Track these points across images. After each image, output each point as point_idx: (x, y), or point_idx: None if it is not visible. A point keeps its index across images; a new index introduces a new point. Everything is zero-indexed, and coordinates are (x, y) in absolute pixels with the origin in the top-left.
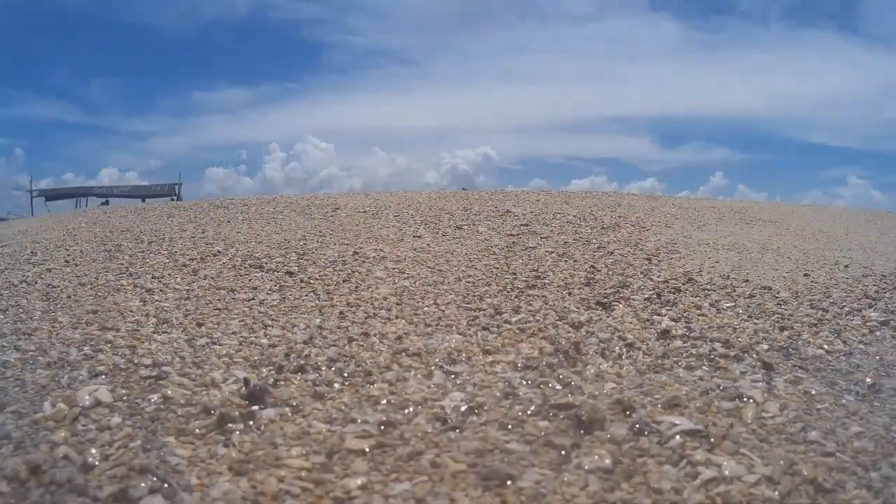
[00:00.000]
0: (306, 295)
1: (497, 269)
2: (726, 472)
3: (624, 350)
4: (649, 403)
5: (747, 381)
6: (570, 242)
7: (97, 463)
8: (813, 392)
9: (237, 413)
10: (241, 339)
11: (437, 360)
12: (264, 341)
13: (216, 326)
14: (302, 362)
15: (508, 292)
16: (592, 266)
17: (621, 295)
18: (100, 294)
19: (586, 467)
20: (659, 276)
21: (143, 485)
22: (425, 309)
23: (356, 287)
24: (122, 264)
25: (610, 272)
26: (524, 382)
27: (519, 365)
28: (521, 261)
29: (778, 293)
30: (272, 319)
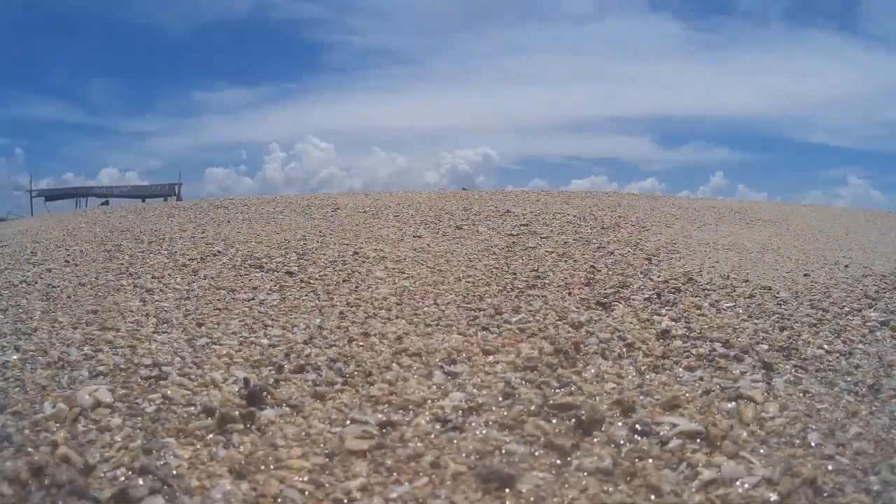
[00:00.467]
0: (306, 295)
1: (497, 269)
2: (726, 474)
3: (624, 350)
4: (649, 404)
5: (747, 382)
6: (570, 242)
7: (98, 464)
8: (813, 392)
9: (237, 413)
10: (241, 339)
11: (437, 360)
12: (264, 341)
13: (216, 326)
14: (302, 362)
15: (508, 292)
16: (592, 266)
17: (621, 295)
18: (100, 294)
19: (586, 468)
20: (659, 276)
21: (143, 486)
22: (425, 309)
23: (356, 287)
24: (122, 264)
25: (610, 272)
26: (524, 382)
27: (519, 365)
28: (521, 261)
29: (778, 293)
30: (272, 319)
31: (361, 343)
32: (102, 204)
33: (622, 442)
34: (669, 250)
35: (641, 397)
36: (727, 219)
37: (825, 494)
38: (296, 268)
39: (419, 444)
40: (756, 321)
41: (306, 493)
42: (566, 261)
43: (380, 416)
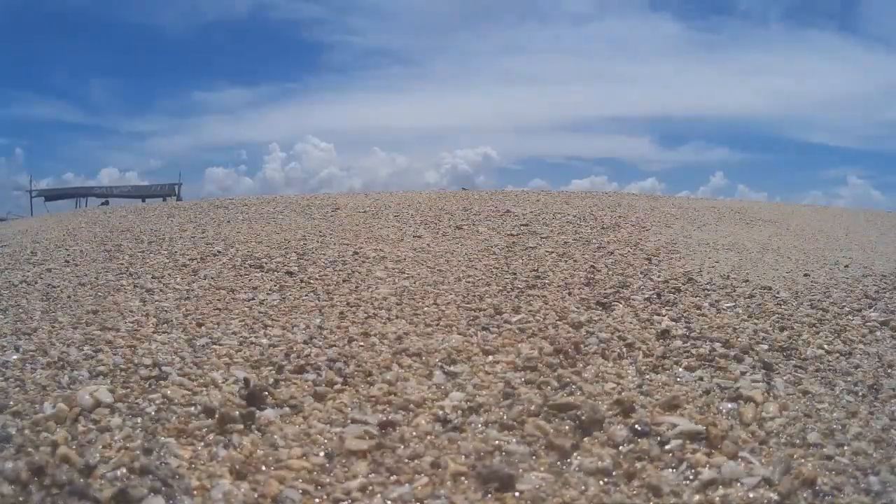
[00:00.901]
0: (306, 295)
1: (497, 269)
2: (726, 474)
3: (624, 350)
4: (649, 404)
5: (747, 382)
6: (570, 242)
7: (98, 464)
8: (813, 392)
9: (237, 413)
10: (241, 339)
11: (437, 360)
12: (264, 341)
13: (216, 326)
14: (302, 362)
15: (508, 292)
16: (592, 266)
17: (621, 295)
18: (100, 294)
19: (586, 468)
20: (659, 276)
21: (143, 486)
22: (425, 309)
23: (356, 287)
24: (122, 264)
25: (610, 272)
26: (524, 382)
27: (519, 365)
28: (521, 261)
29: (778, 293)
30: (272, 319)
31: (361, 343)
32: (102, 204)
33: (622, 442)
34: (669, 250)
35: (641, 397)
36: (727, 219)
37: (825, 494)
38: (296, 268)
39: (419, 444)
40: (756, 321)
41: (306, 493)
42: (566, 261)
43: (380, 416)
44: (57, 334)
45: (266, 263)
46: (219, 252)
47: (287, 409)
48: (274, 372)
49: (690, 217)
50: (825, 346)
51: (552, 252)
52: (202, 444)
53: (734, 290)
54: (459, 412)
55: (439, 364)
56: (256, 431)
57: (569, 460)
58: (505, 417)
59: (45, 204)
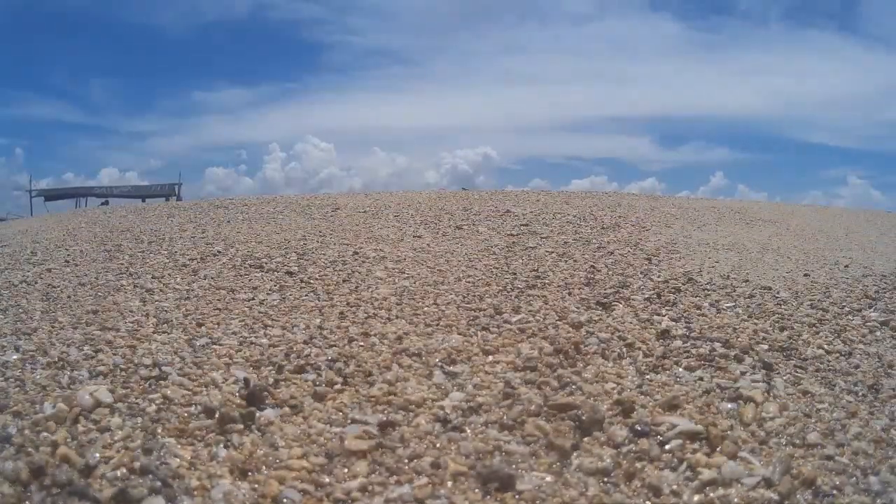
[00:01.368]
0: (306, 295)
1: (497, 269)
2: (726, 474)
3: (624, 350)
4: (649, 404)
5: (747, 382)
6: (570, 242)
7: (98, 464)
8: (813, 392)
9: (237, 413)
10: (241, 339)
11: (437, 360)
12: (264, 341)
13: (216, 326)
14: (302, 362)
15: (508, 292)
16: (592, 266)
17: (621, 295)
18: (100, 294)
19: (586, 469)
20: (659, 276)
21: (143, 486)
22: (425, 309)
23: (356, 287)
24: (122, 264)
25: (610, 272)
26: (524, 382)
27: (519, 365)
28: (521, 261)
29: (778, 293)
30: (272, 319)
31: (361, 343)
32: (102, 204)
33: (622, 442)
34: (669, 250)
35: (641, 397)
36: (727, 219)
37: (825, 494)
38: (296, 268)
39: (419, 444)
40: (756, 321)
41: (306, 493)
42: (566, 261)
43: (380, 416)
44: (57, 334)
45: (266, 263)
46: (219, 252)
47: (287, 409)
48: (274, 372)
49: (690, 217)
50: (825, 346)
51: (552, 252)
52: (202, 444)
53: (734, 290)
54: (459, 412)
55: (439, 364)
56: (256, 431)
57: (569, 460)
58: (505, 417)
59: (45, 204)
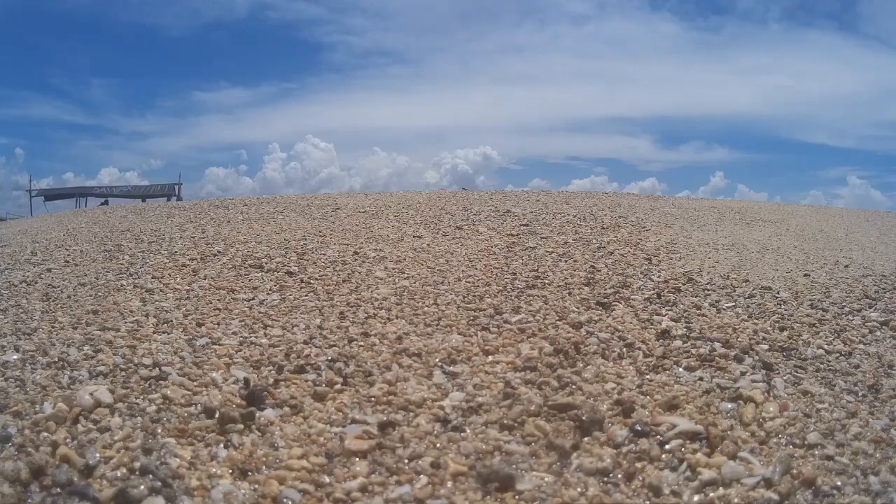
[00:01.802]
0: (306, 295)
1: (497, 269)
2: (725, 474)
3: (624, 350)
4: (649, 404)
5: (747, 382)
6: (570, 242)
7: (98, 464)
8: (813, 392)
9: (237, 413)
10: (241, 339)
11: (437, 360)
12: (264, 341)
13: (216, 326)
14: (302, 362)
15: (508, 292)
16: (592, 266)
17: (621, 295)
18: (100, 294)
19: (586, 469)
20: (659, 276)
21: (143, 486)
22: (425, 309)
23: (356, 287)
24: (122, 264)
25: (610, 272)
26: (524, 382)
27: (519, 365)
28: (521, 261)
29: (778, 293)
30: (272, 319)
31: (361, 343)
32: (102, 204)
33: (622, 442)
34: (669, 250)
35: (641, 397)
36: (727, 219)
37: (825, 494)
38: (296, 268)
39: (419, 444)
40: (756, 321)
41: (306, 493)
42: (566, 261)
43: (380, 416)
44: (57, 334)
45: (266, 263)
46: (219, 252)
47: (287, 409)
48: (274, 372)
49: (690, 217)
50: (825, 346)
51: (552, 252)
52: (202, 444)
53: (734, 290)
54: (459, 412)
55: (439, 364)
56: (256, 431)
57: (569, 460)
58: (505, 417)
59: (45, 204)
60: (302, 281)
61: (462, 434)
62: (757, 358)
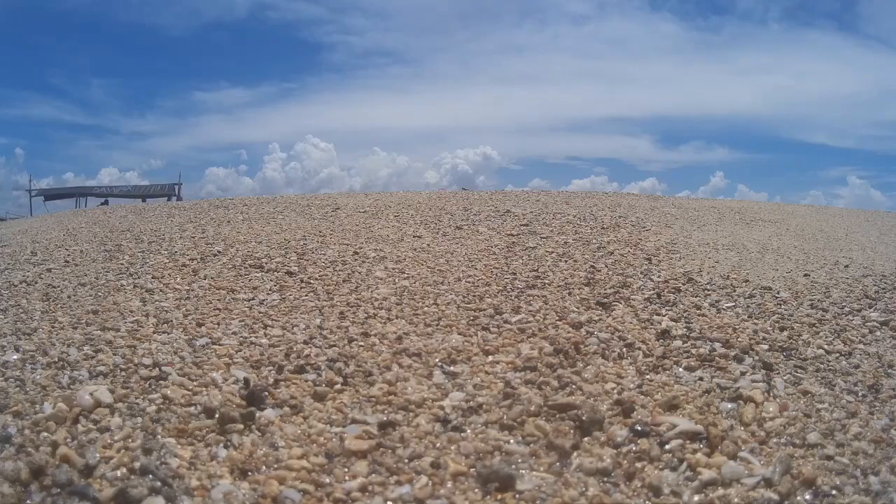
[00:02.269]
0: (306, 295)
1: (497, 269)
2: (725, 474)
3: (624, 350)
4: (649, 404)
5: (747, 382)
6: (570, 242)
7: (98, 464)
8: (813, 392)
9: (237, 413)
10: (241, 339)
11: (437, 360)
12: (264, 341)
13: (216, 326)
14: (302, 362)
15: (508, 292)
16: (592, 266)
17: (621, 295)
18: (100, 294)
19: (586, 469)
20: (659, 276)
21: (143, 486)
22: (425, 309)
23: (356, 287)
24: (122, 264)
25: (610, 272)
26: (524, 382)
27: (519, 365)
28: (521, 261)
29: (778, 293)
30: (272, 319)
31: (361, 343)
32: (102, 204)
33: (622, 442)
34: (669, 250)
35: (641, 397)
36: (727, 219)
37: (825, 494)
38: (296, 268)
39: (419, 444)
40: (756, 321)
41: (306, 493)
42: (566, 261)
43: (380, 416)
44: (57, 334)
45: (266, 263)
46: (219, 252)
47: (287, 409)
48: (274, 372)
49: (690, 217)
50: (825, 346)
51: (552, 252)
52: (202, 444)
53: (734, 290)
54: (459, 412)
55: (439, 364)
56: (256, 431)
57: (569, 460)
58: (505, 417)
59: (45, 203)
60: (302, 281)
61: (462, 434)
62: (757, 358)
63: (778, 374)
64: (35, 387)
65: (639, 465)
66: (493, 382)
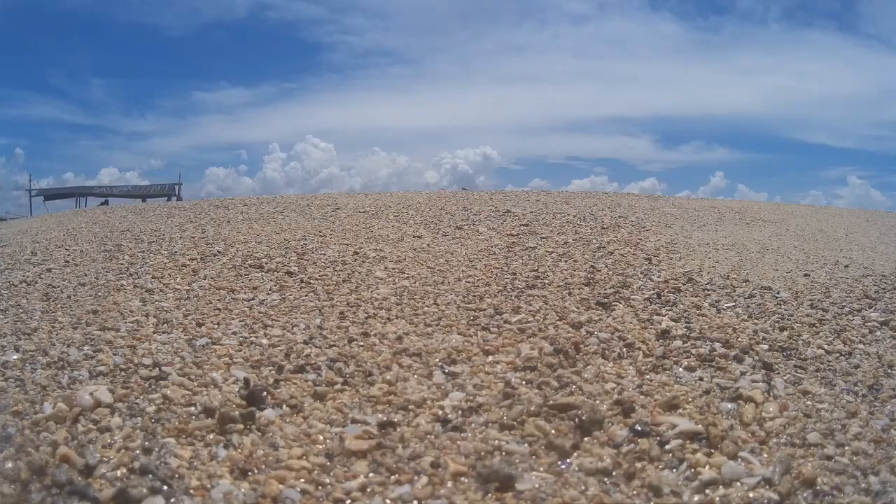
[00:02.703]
0: (306, 295)
1: (497, 269)
2: (726, 474)
3: (624, 350)
4: (649, 404)
5: (747, 382)
6: (570, 242)
7: (98, 464)
8: (813, 392)
9: (237, 413)
10: (241, 339)
11: (437, 360)
12: (264, 341)
13: (216, 326)
14: (302, 362)
15: (508, 292)
16: (592, 266)
17: (621, 295)
18: (100, 294)
19: (586, 469)
20: (659, 276)
21: (143, 486)
22: (425, 309)
23: (356, 287)
24: (122, 264)
25: (610, 272)
26: (524, 382)
27: (519, 365)
28: (521, 261)
29: (778, 293)
30: (272, 319)
31: (361, 343)
32: (102, 204)
33: (622, 442)
34: (669, 250)
35: (641, 397)
36: (727, 219)
37: (825, 494)
38: (296, 268)
39: (419, 444)
40: (756, 321)
41: (306, 493)
42: (566, 261)
43: (380, 416)
44: (57, 334)
45: (266, 263)
46: (219, 252)
47: (287, 409)
48: (274, 372)
49: (690, 217)
50: (825, 346)
51: (552, 252)
52: (202, 444)
53: (734, 290)
54: (459, 412)
55: (439, 364)
56: (256, 431)
57: (569, 460)
58: (505, 417)
59: (45, 203)
60: (302, 281)
61: (462, 434)
62: (757, 358)
63: (778, 374)
64: (35, 387)
65: (639, 465)
66: (493, 382)
